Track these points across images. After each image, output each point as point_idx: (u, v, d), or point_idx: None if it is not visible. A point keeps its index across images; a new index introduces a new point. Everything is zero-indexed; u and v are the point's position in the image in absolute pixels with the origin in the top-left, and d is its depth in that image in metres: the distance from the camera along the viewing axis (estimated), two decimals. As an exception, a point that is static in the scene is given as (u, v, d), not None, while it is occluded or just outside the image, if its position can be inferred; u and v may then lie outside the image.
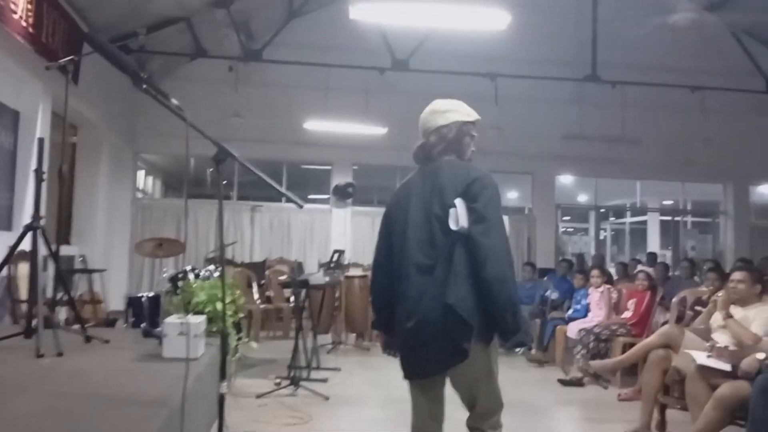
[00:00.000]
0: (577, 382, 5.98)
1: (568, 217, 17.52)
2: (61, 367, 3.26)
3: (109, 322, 7.31)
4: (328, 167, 11.97)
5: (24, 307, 4.52)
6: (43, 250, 3.77)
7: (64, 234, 9.01)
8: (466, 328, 2.36)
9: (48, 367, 3.23)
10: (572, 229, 18.81)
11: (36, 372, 3.11)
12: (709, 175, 12.60)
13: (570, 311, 7.41)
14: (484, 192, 2.45)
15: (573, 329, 6.73)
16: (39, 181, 3.71)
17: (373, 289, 2.70)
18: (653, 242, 15.70)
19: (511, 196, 16.60)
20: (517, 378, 6.42)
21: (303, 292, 6.12)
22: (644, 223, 16.16)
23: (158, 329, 4.09)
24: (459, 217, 2.41)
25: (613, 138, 11.30)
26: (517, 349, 7.69)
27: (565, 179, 13.48)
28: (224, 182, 11.07)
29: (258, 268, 9.53)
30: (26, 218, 3.76)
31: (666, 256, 13.93)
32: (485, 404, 2.55)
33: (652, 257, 10.88)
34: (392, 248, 2.60)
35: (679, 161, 11.94)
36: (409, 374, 2.58)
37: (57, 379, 2.96)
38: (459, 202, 2.43)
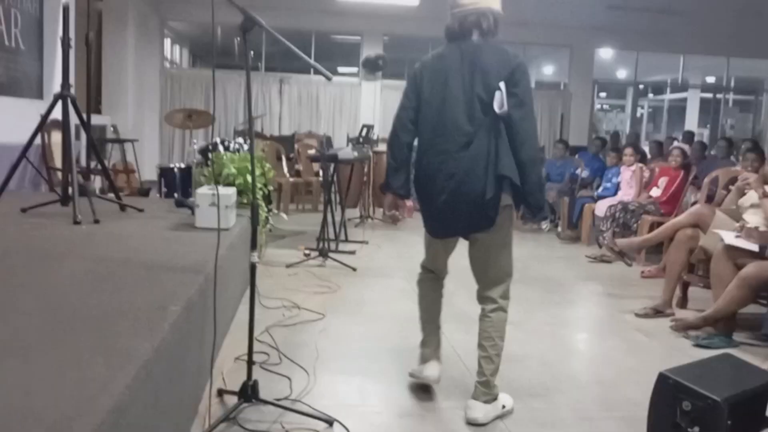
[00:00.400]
0: (607, 260, 6.06)
1: (604, 94, 17.04)
2: (98, 233, 3.38)
3: (143, 192, 7.48)
4: (358, 38, 11.65)
5: (59, 175, 4.63)
6: (74, 119, 3.80)
7: (94, 103, 9.06)
8: (496, 199, 2.55)
9: (85, 234, 3.35)
10: (608, 106, 18.35)
11: (74, 238, 3.23)
12: (756, 50, 12.00)
13: (600, 189, 7.38)
14: (524, 78, 2.56)
15: (601, 207, 6.73)
16: (66, 48, 3.68)
17: (395, 148, 2.75)
18: (692, 120, 15.28)
19: (547, 70, 16.11)
20: (543, 255, 6.53)
21: (332, 166, 6.15)
22: (684, 100, 15.65)
23: (190, 199, 4.19)
24: (503, 100, 2.49)
25: (658, 9, 10.70)
26: (544, 225, 7.81)
27: (605, 53, 12.97)
28: (251, 53, 10.87)
29: (287, 142, 9.55)
30: (56, 87, 3.76)
31: (703, 135, 13.60)
32: (497, 272, 2.76)
33: (689, 135, 10.62)
34: (420, 116, 2.68)
35: (726, 35, 11.36)
36: (436, 235, 2.81)
37: (95, 245, 3.08)
38: (503, 85, 2.51)
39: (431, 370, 2.86)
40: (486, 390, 2.65)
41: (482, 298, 2.79)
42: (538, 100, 12.04)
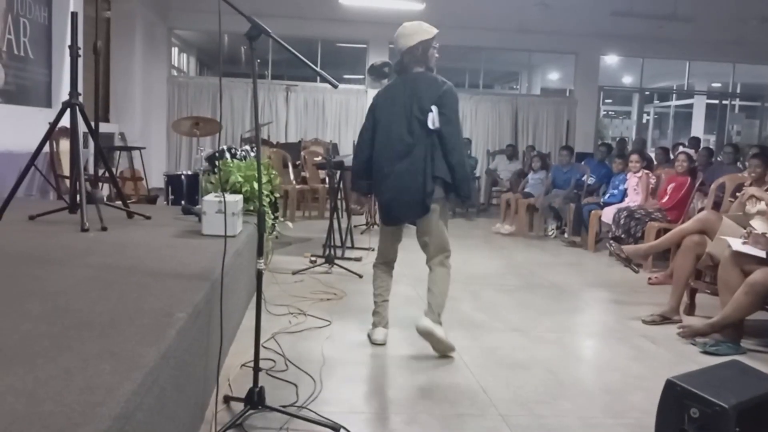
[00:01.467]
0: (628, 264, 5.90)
1: (610, 100, 17.03)
2: (105, 241, 3.39)
3: (150, 199, 7.50)
4: (364, 46, 11.68)
5: (67, 182, 4.65)
6: (82, 127, 3.82)
7: (102, 111, 9.11)
8: (431, 192, 3.34)
9: (93, 241, 3.36)
10: (614, 113, 18.32)
11: (81, 245, 3.24)
12: (762, 56, 11.97)
13: (606, 196, 7.37)
14: (450, 100, 3.34)
15: (608, 214, 6.72)
16: (74, 56, 3.70)
17: (358, 158, 3.59)
18: (698, 127, 15.24)
19: (553, 77, 16.11)
20: (549, 261, 6.51)
21: (338, 173, 6.16)
22: (690, 106, 15.63)
23: (197, 207, 4.20)
24: (434, 118, 3.28)
25: (664, 15, 10.71)
26: (550, 231, 7.79)
27: (610, 60, 12.98)
28: (258, 61, 10.91)
29: (293, 149, 9.59)
30: (65, 95, 3.78)
31: (710, 141, 13.55)
32: (437, 247, 3.46)
33: (695, 142, 10.60)
34: (375, 134, 3.48)
35: (732, 41, 11.34)
36: (387, 223, 3.61)
37: (101, 252, 3.09)
38: (434, 107, 3.30)
39: (379, 335, 3.61)
40: (432, 315, 3.37)
41: (429, 265, 3.52)
42: (544, 107, 12.05)
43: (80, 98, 3.77)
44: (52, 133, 4.02)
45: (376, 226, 7.72)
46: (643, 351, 3.74)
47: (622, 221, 6.33)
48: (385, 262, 3.72)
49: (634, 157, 6.99)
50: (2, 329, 1.86)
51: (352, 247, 6.25)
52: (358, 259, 5.74)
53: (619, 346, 3.82)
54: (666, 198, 6.48)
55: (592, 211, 7.09)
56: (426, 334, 3.36)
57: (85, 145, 5.52)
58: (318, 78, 2.72)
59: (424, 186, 3.31)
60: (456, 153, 3.32)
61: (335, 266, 5.34)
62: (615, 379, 3.28)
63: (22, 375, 1.52)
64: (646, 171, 6.91)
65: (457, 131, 3.35)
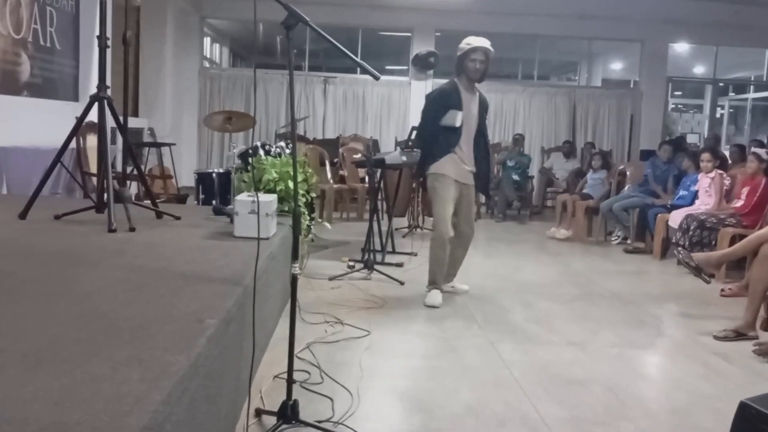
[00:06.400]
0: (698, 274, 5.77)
1: (679, 93, 16.68)
2: (133, 242, 3.47)
3: (180, 198, 7.65)
4: (408, 34, 11.70)
5: (94, 180, 4.78)
6: (110, 122, 3.92)
7: (131, 105, 9.33)
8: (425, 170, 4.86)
9: (121, 242, 3.45)
10: (683, 106, 17.96)
11: (109, 246, 3.33)
12: None
13: (675, 198, 7.23)
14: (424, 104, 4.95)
15: (676, 218, 6.59)
16: (103, 47, 3.78)
17: None
18: (779, 122, 14.82)
19: (615, 67, 15.89)
20: (610, 269, 6.42)
21: (378, 172, 6.18)
22: (769, 99, 15.21)
23: (229, 207, 4.26)
24: None
25: (741, -1, 10.47)
26: (613, 238, 7.62)
27: (680, 48, 12.72)
28: (295, 51, 11.03)
29: (331, 146, 9.66)
30: (92, 88, 3.88)
31: (792, 138, 13.16)
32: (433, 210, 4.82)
33: (775, 139, 10.31)
34: None
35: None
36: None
37: (130, 254, 3.16)
38: None
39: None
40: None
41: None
42: (605, 100, 11.88)
43: (108, 91, 3.87)
44: (79, 129, 4.14)
45: (419, 229, 7.73)
46: (715, 369, 3.66)
47: (690, 231, 6.20)
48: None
49: (706, 155, 6.84)
50: (29, 333, 1.92)
51: (393, 252, 6.27)
52: (399, 265, 5.76)
53: (688, 364, 3.75)
54: (741, 201, 6.32)
55: (659, 215, 6.96)
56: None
57: (113, 141, 5.67)
58: (358, 69, 2.75)
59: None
60: (419, 138, 5.28)
61: (375, 272, 5.36)
62: (682, 399, 3.22)
63: (48, 381, 1.57)
64: (720, 171, 6.75)
65: (421, 126, 4.97)
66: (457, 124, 4.70)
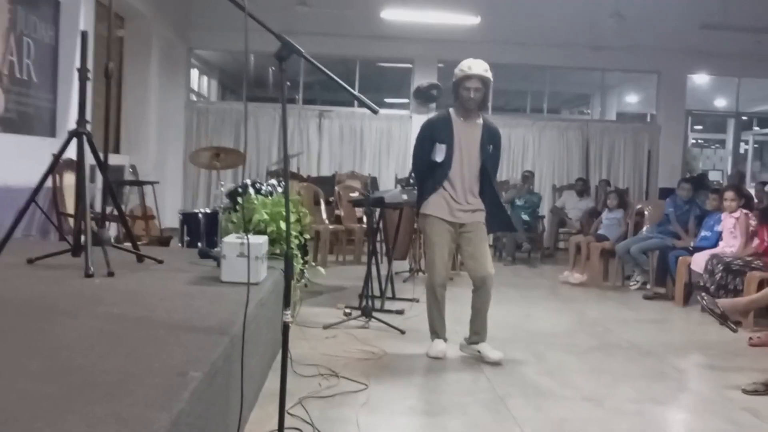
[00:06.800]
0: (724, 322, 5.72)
1: (700, 127, 16.82)
2: (112, 288, 3.47)
3: (163, 241, 7.66)
4: (409, 65, 11.84)
5: (71, 221, 4.79)
6: (90, 159, 3.95)
7: (113, 141, 9.38)
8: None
9: (98, 288, 3.44)
10: (704, 141, 18.08)
11: (85, 293, 3.32)
12: None
13: (697, 239, 7.23)
14: None
15: (699, 261, 6.58)
16: (83, 80, 3.83)
17: None
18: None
19: (631, 100, 16.04)
20: (626, 317, 6.40)
21: (377, 211, 6.19)
22: (796, 134, 15.32)
23: (216, 250, 4.27)
24: None
25: (763, 28, 10.60)
26: (632, 283, 7.61)
27: (699, 79, 12.87)
28: (288, 83, 11.15)
29: (326, 184, 9.71)
30: (71, 123, 3.92)
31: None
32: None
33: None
34: None
35: None
36: None
37: (108, 301, 3.15)
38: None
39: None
40: None
41: None
42: (620, 134, 11.96)
43: (88, 127, 3.90)
44: (56, 166, 4.16)
45: (421, 273, 7.72)
46: (744, 427, 3.62)
47: (717, 275, 6.18)
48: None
49: (729, 194, 6.86)
50: (-4, 388, 1.91)
51: (393, 298, 6.25)
52: (400, 312, 5.73)
53: (715, 421, 3.71)
54: (765, 243, 6.33)
55: (680, 258, 6.96)
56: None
57: (92, 180, 5.69)
58: (356, 102, 2.78)
59: None
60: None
61: (373, 320, 5.34)
62: (709, 460, 3.18)
63: (17, 440, 1.56)
64: (745, 210, 6.76)
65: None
66: (438, 159, 4.59)
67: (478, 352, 4.57)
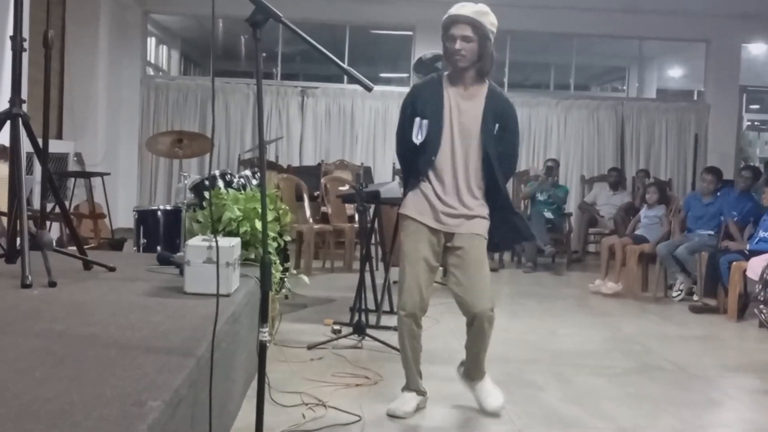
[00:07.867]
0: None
1: (757, 106, 16.85)
2: (54, 300, 3.46)
3: (115, 244, 7.65)
4: (409, 33, 11.83)
5: (4, 221, 4.78)
6: (26, 146, 3.93)
7: (54, 125, 9.36)
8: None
9: (37, 300, 3.43)
10: (761, 123, 18.11)
11: (22, 306, 3.30)
12: None
13: (754, 241, 7.24)
14: None
15: (755, 267, 6.60)
16: (18, 51, 3.81)
17: None
18: None
19: (674, 74, 16.04)
20: (669, 333, 6.41)
21: (371, 208, 6.19)
22: None
23: (178, 254, 4.26)
24: None
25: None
26: (675, 293, 7.62)
27: (756, 50, 12.88)
28: (264, 55, 11.12)
29: (310, 175, 9.70)
30: (3, 103, 3.91)
31: None
32: None
33: None
34: None
35: None
36: None
37: (49, 316, 3.14)
38: None
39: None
40: None
41: None
42: (661, 115, 11.95)
43: (24, 107, 3.88)
44: (-15, 155, 4.15)
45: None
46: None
47: (773, 280, 6.21)
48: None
49: (794, 186, 6.89)
50: None
51: (391, 312, 6.25)
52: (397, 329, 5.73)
53: (775, 457, 3.73)
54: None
55: (734, 263, 6.97)
56: None
57: (30, 171, 5.67)
58: (345, 78, 2.78)
59: None
60: None
61: (367, 338, 5.33)
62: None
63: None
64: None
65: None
66: (417, 141, 3.91)
67: (473, 391, 4.11)
